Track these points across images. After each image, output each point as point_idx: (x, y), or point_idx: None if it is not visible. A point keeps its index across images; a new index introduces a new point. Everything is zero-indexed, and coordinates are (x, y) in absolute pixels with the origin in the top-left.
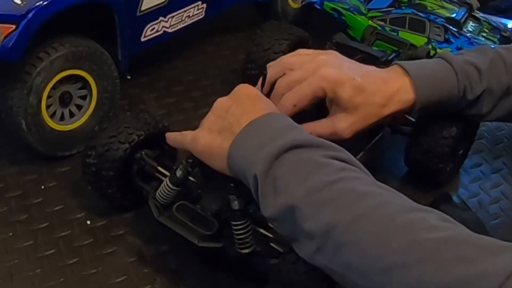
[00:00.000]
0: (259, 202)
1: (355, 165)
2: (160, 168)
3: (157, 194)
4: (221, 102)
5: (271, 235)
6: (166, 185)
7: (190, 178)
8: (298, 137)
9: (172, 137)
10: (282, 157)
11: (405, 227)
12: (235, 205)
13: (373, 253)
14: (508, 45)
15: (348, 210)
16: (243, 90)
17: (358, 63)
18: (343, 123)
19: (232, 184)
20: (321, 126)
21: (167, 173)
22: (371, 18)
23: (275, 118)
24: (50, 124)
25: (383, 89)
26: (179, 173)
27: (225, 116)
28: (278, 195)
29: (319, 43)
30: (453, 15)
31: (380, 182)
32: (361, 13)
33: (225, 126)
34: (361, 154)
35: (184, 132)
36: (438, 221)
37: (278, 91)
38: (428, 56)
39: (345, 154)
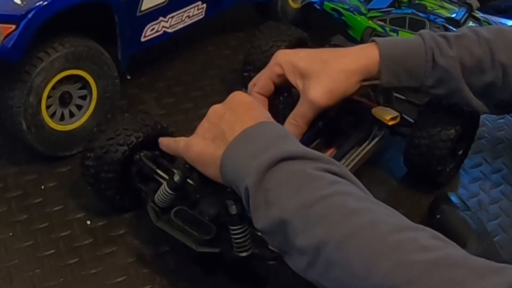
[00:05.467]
0: (251, 214)
1: (348, 177)
2: (158, 171)
3: (155, 197)
4: (215, 109)
5: None
6: (164, 190)
7: (189, 181)
8: (290, 148)
9: (166, 143)
10: (274, 168)
11: (394, 247)
12: (233, 209)
13: (362, 273)
14: (491, 26)
15: (338, 227)
16: (237, 97)
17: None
18: (313, 91)
19: (229, 189)
20: (299, 105)
21: (166, 175)
22: (371, 18)
23: (268, 126)
24: (50, 124)
25: (341, 50)
26: (177, 177)
27: (218, 124)
28: (269, 208)
29: (319, 44)
30: (453, 15)
31: (379, 181)
32: (361, 13)
33: (218, 133)
34: (361, 154)
35: (177, 138)
36: (429, 239)
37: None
38: None
39: (338, 166)
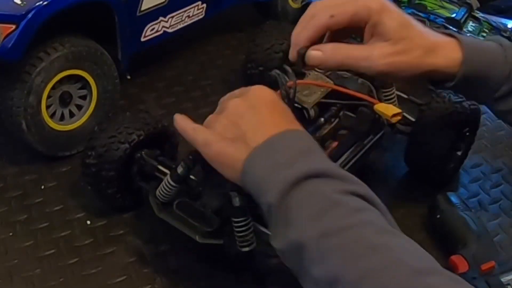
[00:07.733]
0: (270, 229)
1: (372, 200)
2: (160, 168)
3: (157, 191)
4: (235, 105)
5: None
6: (167, 182)
7: (191, 177)
8: (316, 165)
9: (182, 126)
10: (298, 186)
11: None
12: (236, 202)
13: None
14: None
15: (354, 265)
16: (260, 93)
17: None
18: (380, 50)
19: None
20: (355, 48)
21: (167, 172)
22: None
23: (294, 137)
24: (50, 124)
25: (430, 37)
26: (180, 169)
27: (239, 124)
28: (289, 228)
29: None
30: (453, 15)
31: (379, 181)
32: None
33: (240, 135)
34: (361, 153)
35: (197, 128)
36: (447, 286)
37: (311, 11)
38: None
39: (363, 188)
